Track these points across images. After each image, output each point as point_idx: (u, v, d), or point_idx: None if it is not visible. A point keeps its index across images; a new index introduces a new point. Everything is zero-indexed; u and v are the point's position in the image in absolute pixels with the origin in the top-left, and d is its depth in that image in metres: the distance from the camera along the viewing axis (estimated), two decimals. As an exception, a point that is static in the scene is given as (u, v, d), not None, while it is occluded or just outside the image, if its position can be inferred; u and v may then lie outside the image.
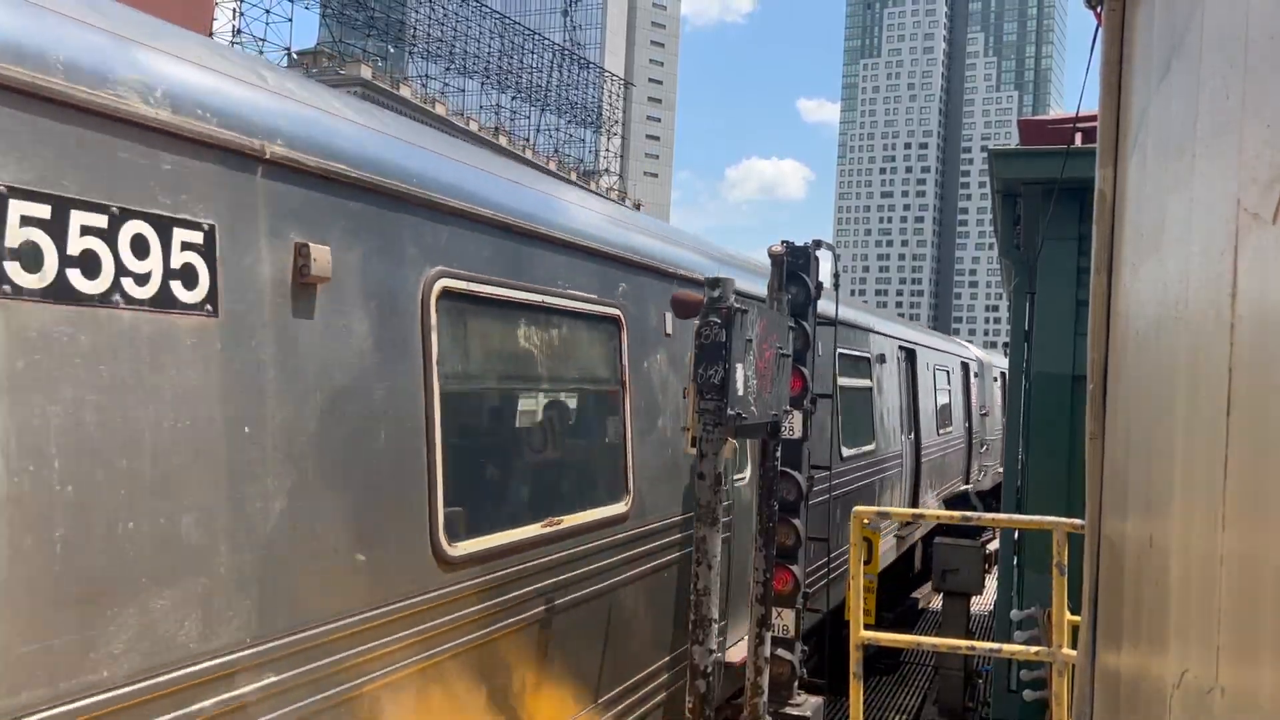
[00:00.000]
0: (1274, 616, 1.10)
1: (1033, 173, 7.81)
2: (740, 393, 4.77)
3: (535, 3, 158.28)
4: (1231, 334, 1.34)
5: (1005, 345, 14.90)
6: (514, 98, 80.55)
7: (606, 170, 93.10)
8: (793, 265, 6.32)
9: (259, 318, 2.87)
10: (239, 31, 56.68)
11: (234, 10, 55.66)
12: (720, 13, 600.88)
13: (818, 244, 6.50)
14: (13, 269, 2.22)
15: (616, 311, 5.07)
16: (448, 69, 75.28)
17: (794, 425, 6.23)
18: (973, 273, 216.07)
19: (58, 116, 2.34)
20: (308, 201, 3.07)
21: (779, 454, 5.98)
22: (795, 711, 6.24)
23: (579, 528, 4.58)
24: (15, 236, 2.23)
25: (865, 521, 5.91)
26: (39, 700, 2.24)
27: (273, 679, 2.86)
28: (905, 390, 12.64)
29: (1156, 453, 2.03)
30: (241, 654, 2.76)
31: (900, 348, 12.44)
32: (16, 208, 2.23)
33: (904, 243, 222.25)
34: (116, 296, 2.45)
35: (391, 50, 73.35)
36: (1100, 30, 3.12)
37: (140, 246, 2.51)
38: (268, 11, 58.41)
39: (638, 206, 76.44)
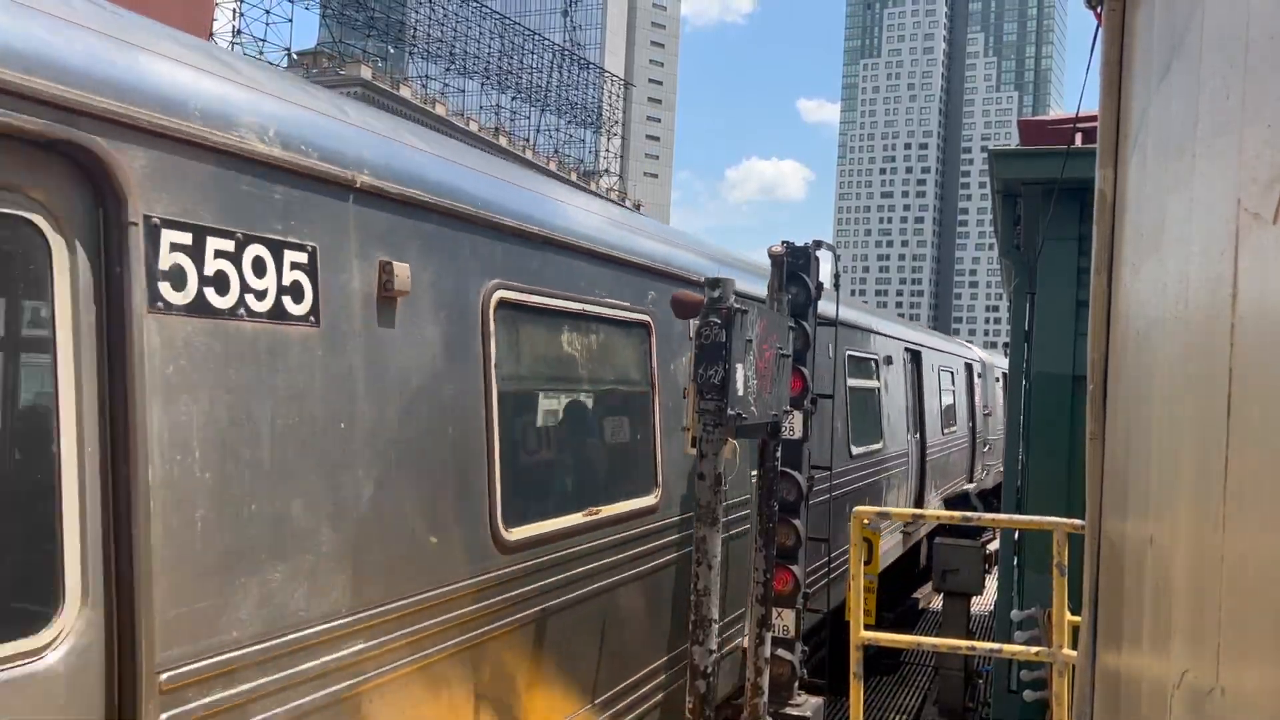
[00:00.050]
0: (1274, 617, 1.10)
1: (1033, 173, 7.80)
2: (740, 393, 4.77)
3: (535, 3, 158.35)
4: (1232, 334, 1.34)
5: (1005, 345, 14.92)
6: (514, 98, 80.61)
7: (606, 171, 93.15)
8: (793, 266, 6.32)
9: (351, 327, 3.27)
10: (239, 32, 56.71)
11: (234, 10, 55.69)
12: (720, 13, 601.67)
13: (818, 244, 6.51)
14: (165, 288, 2.63)
15: (647, 317, 5.43)
16: (448, 69, 75.34)
17: (794, 425, 6.23)
18: (973, 273, 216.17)
19: (196, 157, 2.73)
20: (390, 224, 3.47)
21: (779, 454, 5.98)
22: (795, 712, 6.24)
23: (615, 517, 4.97)
24: (166, 260, 2.64)
25: (865, 522, 5.91)
26: (184, 655, 2.65)
27: (362, 645, 3.24)
28: (911, 391, 12.85)
29: (1156, 453, 2.03)
30: (339, 622, 3.15)
31: (906, 349, 12.63)
32: (167, 236, 2.64)
33: (904, 243, 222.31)
34: (241, 310, 2.85)
35: (391, 51, 73.39)
36: (1100, 30, 3.12)
37: (259, 267, 2.92)
38: (268, 12, 58.45)
39: (638, 207, 76.51)
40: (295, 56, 61.22)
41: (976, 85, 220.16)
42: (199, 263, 2.72)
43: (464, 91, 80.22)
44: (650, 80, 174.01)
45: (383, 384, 3.40)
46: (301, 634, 3.00)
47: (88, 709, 2.45)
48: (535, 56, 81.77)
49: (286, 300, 2.99)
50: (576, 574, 4.55)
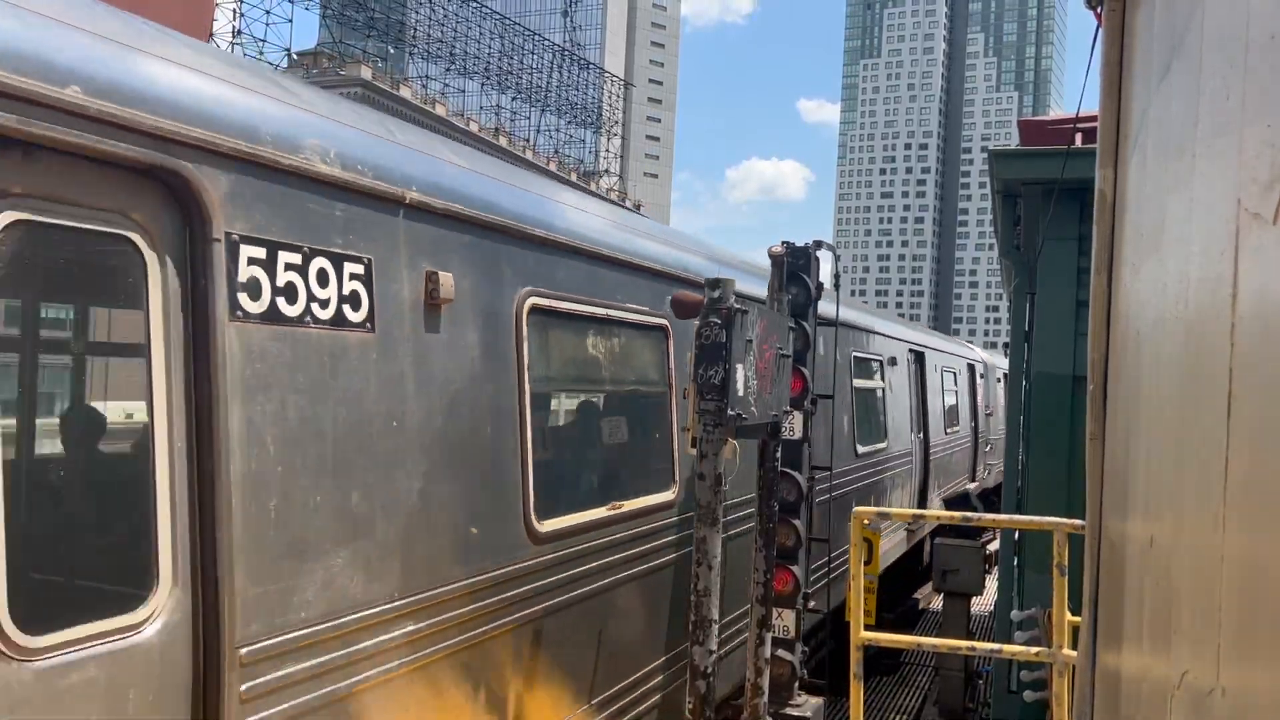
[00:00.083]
0: (1275, 617, 1.10)
1: (1033, 173, 7.81)
2: (740, 393, 4.77)
3: (535, 3, 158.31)
4: (1232, 334, 1.34)
5: (1005, 346, 14.95)
6: (514, 98, 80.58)
7: (606, 171, 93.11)
8: (793, 266, 6.32)
9: (402, 333, 3.54)
10: (239, 32, 56.67)
11: (234, 11, 55.66)
12: (720, 13, 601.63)
13: (818, 244, 6.51)
14: (243, 298, 2.89)
15: (665, 321, 5.65)
16: (448, 70, 75.32)
17: (794, 426, 6.23)
18: (973, 273, 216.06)
19: (268, 178, 3.01)
20: (435, 237, 3.74)
21: (779, 454, 5.98)
22: (795, 712, 6.23)
23: (636, 511, 5.25)
24: (244, 273, 2.91)
25: (865, 522, 5.91)
26: (260, 632, 2.91)
27: (411, 627, 3.51)
28: (915, 391, 13.09)
29: (1156, 453, 2.03)
30: (391, 605, 3.42)
31: (910, 350, 12.88)
32: (245, 251, 2.91)
33: (904, 243, 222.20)
34: (308, 318, 3.12)
35: (391, 51, 73.35)
36: (1100, 31, 3.12)
37: (323, 278, 3.18)
38: (268, 12, 58.40)
39: (638, 207, 76.48)
40: (295, 57, 61.18)
41: (976, 85, 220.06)
42: (272, 275, 2.99)
43: (464, 92, 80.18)
44: (650, 80, 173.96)
45: (429, 385, 3.67)
46: (360, 615, 3.27)
47: (178, 678, 2.74)
48: (535, 57, 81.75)
49: (346, 308, 3.27)
50: (601, 564, 4.83)
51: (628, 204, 73.52)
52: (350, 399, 3.27)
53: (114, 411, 3.17)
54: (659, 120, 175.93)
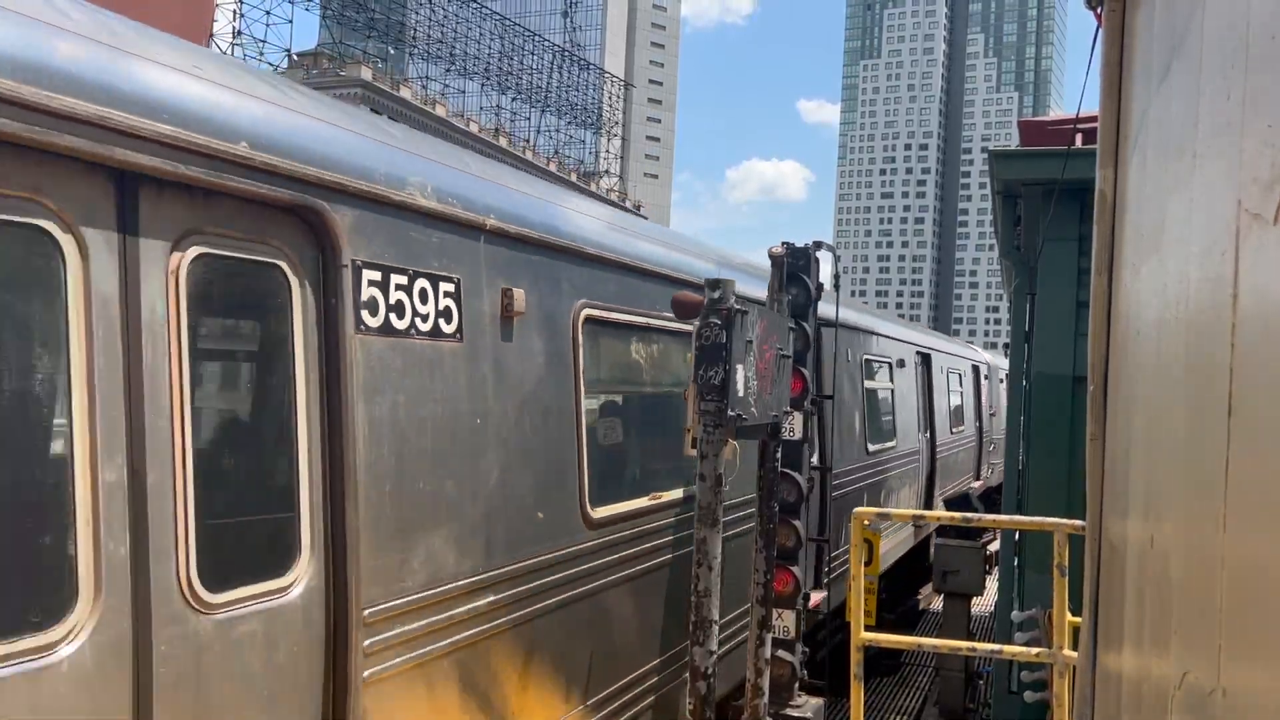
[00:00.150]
0: (1275, 618, 1.10)
1: (1033, 173, 7.81)
2: (740, 394, 4.77)
3: (535, 4, 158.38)
4: (1232, 334, 1.34)
5: (1006, 346, 14.99)
6: (514, 99, 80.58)
7: (607, 171, 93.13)
8: (793, 266, 6.32)
9: (484, 342, 4.07)
10: (239, 33, 56.68)
11: (234, 12, 55.66)
12: (720, 13, 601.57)
13: (818, 245, 6.51)
14: (365, 315, 3.42)
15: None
16: (448, 70, 75.32)
17: (794, 426, 6.23)
18: (973, 273, 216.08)
19: (382, 212, 3.54)
20: (509, 258, 4.27)
21: (779, 455, 5.97)
22: (796, 713, 6.23)
23: (672, 502, 5.75)
24: (365, 293, 3.43)
25: (866, 523, 5.91)
26: (379, 596, 3.44)
27: (491, 598, 4.05)
28: (921, 392, 13.39)
29: (1156, 453, 2.03)
30: (475, 578, 3.95)
31: (917, 353, 13.19)
32: (365, 275, 3.44)
33: (904, 243, 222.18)
34: (412, 330, 3.65)
35: (392, 52, 73.37)
36: (1100, 31, 3.12)
37: (424, 296, 3.72)
38: (268, 13, 58.38)
39: (638, 208, 76.54)
40: (295, 58, 61.19)
41: (976, 86, 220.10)
42: (385, 294, 3.52)
43: (464, 92, 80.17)
44: (650, 81, 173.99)
45: (505, 388, 4.20)
46: (450, 586, 3.80)
47: (315, 634, 3.25)
48: (535, 57, 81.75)
49: (441, 321, 3.80)
50: (645, 548, 5.39)
51: (628, 205, 73.56)
52: (445, 399, 3.81)
53: (266, 410, 3.54)
54: (659, 121, 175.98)
